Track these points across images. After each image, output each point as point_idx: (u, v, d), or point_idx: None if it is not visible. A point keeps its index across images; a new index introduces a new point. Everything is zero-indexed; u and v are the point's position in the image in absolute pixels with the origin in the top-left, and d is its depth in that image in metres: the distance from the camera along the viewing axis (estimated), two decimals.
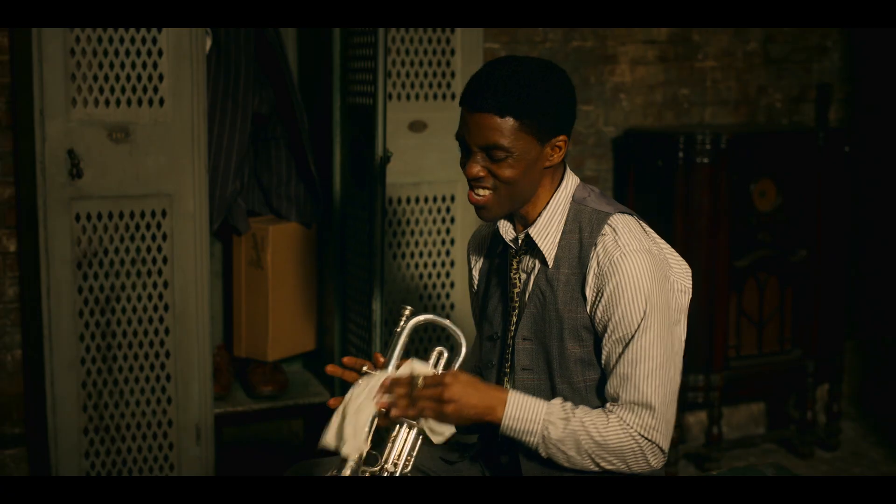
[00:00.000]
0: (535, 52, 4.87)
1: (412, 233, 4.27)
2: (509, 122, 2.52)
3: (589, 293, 2.57)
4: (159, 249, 3.90)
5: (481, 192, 2.59)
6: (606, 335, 2.56)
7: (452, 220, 4.34)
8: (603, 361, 2.59)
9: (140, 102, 3.81)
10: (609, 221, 2.59)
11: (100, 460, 3.91)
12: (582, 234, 2.60)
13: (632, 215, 2.64)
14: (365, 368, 2.63)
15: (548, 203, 2.65)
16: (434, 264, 4.33)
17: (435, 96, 4.27)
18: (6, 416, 4.23)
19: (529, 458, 2.60)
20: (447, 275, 4.37)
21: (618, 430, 2.50)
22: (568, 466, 2.54)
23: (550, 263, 2.63)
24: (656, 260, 2.57)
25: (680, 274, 2.68)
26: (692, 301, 4.65)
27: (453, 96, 4.28)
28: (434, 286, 4.35)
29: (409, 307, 2.66)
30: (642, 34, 5.10)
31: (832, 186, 4.97)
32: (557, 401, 2.56)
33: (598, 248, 2.57)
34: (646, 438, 2.50)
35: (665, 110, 5.20)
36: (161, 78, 3.82)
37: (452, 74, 4.28)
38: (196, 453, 4.01)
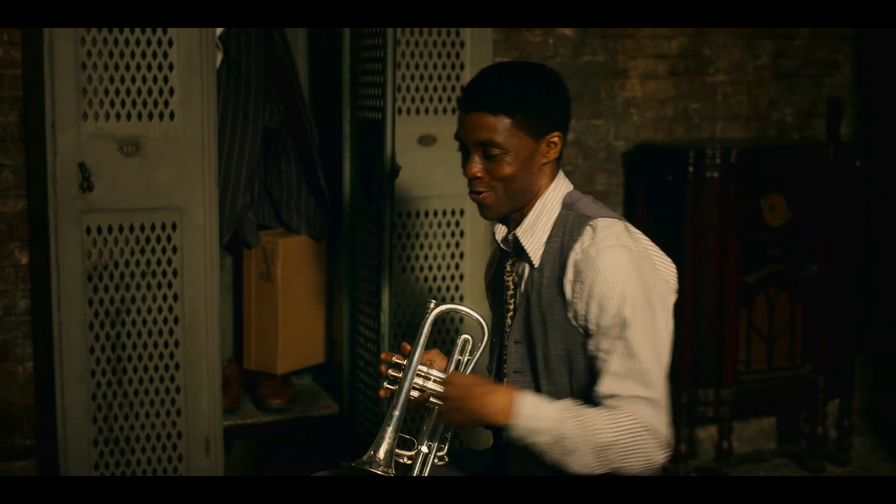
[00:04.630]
0: None
1: (421, 246, 4.28)
2: (503, 119, 2.59)
3: (568, 292, 2.59)
4: (169, 262, 3.91)
5: (481, 190, 2.65)
6: (592, 333, 2.56)
7: (462, 234, 4.35)
8: (591, 359, 2.58)
9: (151, 116, 3.83)
10: (590, 223, 2.61)
11: (109, 472, 3.93)
12: (564, 237, 2.64)
13: (619, 220, 2.65)
14: (395, 358, 2.71)
15: (534, 204, 2.70)
16: (444, 278, 4.33)
17: (444, 110, 4.28)
18: (17, 428, 4.25)
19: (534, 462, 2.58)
20: (456, 288, 4.37)
21: (630, 425, 2.46)
22: (577, 469, 2.50)
23: (536, 264, 2.66)
24: (633, 254, 2.57)
25: (667, 273, 2.67)
26: (701, 314, 4.65)
27: None
28: (444, 300, 4.35)
29: (434, 300, 2.77)
30: (653, 48, 5.10)
31: (843, 201, 4.97)
32: (567, 401, 2.54)
33: (575, 247, 2.59)
34: (653, 431, 2.48)
35: (676, 125, 5.20)
36: (172, 92, 3.84)
37: (462, 88, 4.27)
38: (205, 465, 4.02)
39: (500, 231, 2.76)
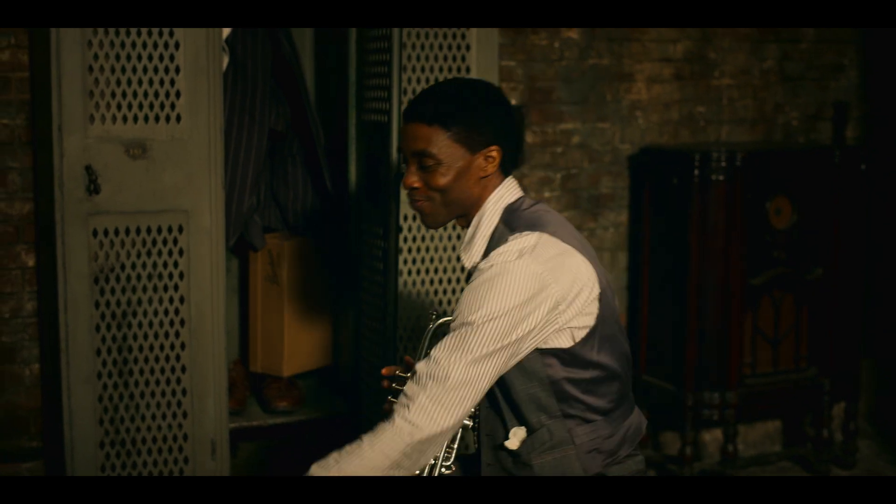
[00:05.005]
0: (551, 70, 4.89)
1: (427, 249, 4.28)
2: (438, 131, 2.65)
3: None
4: (175, 265, 3.92)
5: (418, 199, 2.72)
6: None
7: None
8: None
9: (157, 119, 3.84)
10: (508, 239, 2.63)
11: (115, 473, 3.93)
12: (490, 249, 2.67)
13: (536, 234, 2.63)
14: (398, 372, 2.78)
15: (473, 219, 2.75)
16: (449, 280, 4.34)
17: None
18: (24, 430, 4.26)
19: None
20: (462, 291, 4.37)
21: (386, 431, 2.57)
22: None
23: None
24: (518, 276, 2.56)
25: (578, 302, 2.63)
26: (706, 317, 4.63)
27: None
28: (450, 302, 4.36)
29: (435, 312, 2.82)
30: (658, 52, 5.11)
31: (848, 204, 4.98)
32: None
33: (482, 261, 2.65)
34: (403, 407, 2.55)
35: (681, 128, 5.21)
36: (178, 94, 3.85)
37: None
38: (211, 467, 4.03)
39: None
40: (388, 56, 3.87)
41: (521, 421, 2.67)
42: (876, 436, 5.53)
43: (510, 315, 2.54)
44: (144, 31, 3.78)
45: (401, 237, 4.14)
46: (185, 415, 4.00)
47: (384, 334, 3.98)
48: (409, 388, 2.57)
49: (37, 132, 4.05)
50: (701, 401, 4.79)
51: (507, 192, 2.73)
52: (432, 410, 2.52)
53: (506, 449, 2.68)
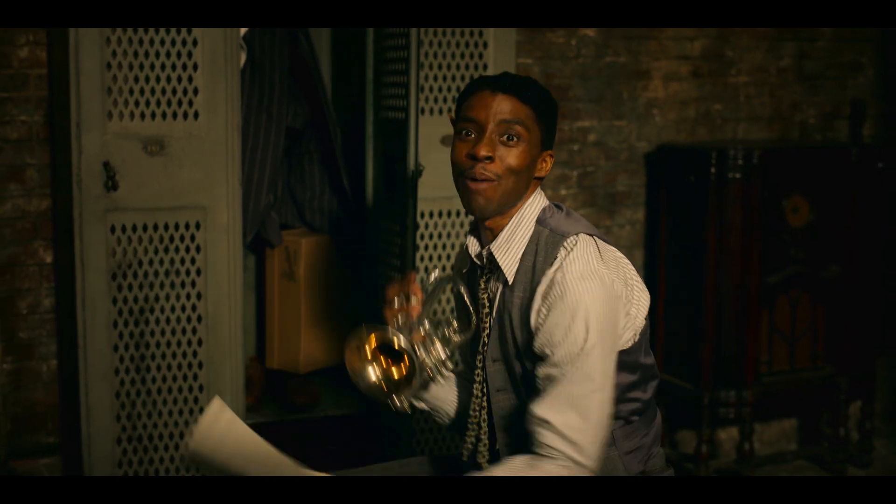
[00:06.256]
0: (568, 67, 4.89)
1: (444, 246, 4.28)
2: (529, 111, 2.58)
3: (533, 320, 2.55)
4: (193, 261, 3.93)
5: (486, 177, 2.57)
6: (547, 358, 2.52)
7: None
8: (539, 383, 2.54)
9: (175, 116, 3.85)
10: (564, 244, 2.56)
11: (132, 469, 3.95)
12: (537, 257, 2.59)
13: (591, 236, 2.60)
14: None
15: (510, 219, 2.65)
16: None
17: None
18: (41, 426, 4.27)
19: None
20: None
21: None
22: None
23: (510, 280, 2.62)
24: (605, 285, 2.51)
25: (637, 302, 2.62)
26: (723, 315, 4.64)
27: None
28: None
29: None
30: (676, 50, 5.10)
31: (865, 202, 4.96)
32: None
33: (548, 272, 2.54)
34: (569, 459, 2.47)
35: (698, 126, 5.20)
36: (196, 92, 3.86)
37: (483, 76, 4.27)
38: None
39: (474, 245, 2.72)
40: (406, 53, 3.87)
41: None
42: (892, 434, 5.51)
43: (607, 328, 2.50)
44: (163, 29, 3.80)
45: (418, 234, 4.14)
46: (201, 411, 4.01)
47: None
48: (555, 442, 2.47)
49: (55, 129, 4.07)
50: (717, 399, 4.78)
51: (541, 198, 2.68)
52: (594, 447, 2.47)
53: None
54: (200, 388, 4.00)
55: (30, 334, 4.22)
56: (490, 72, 4.26)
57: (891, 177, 5.20)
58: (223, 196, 3.93)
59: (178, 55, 3.83)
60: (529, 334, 2.57)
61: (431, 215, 4.27)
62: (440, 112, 4.25)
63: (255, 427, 4.30)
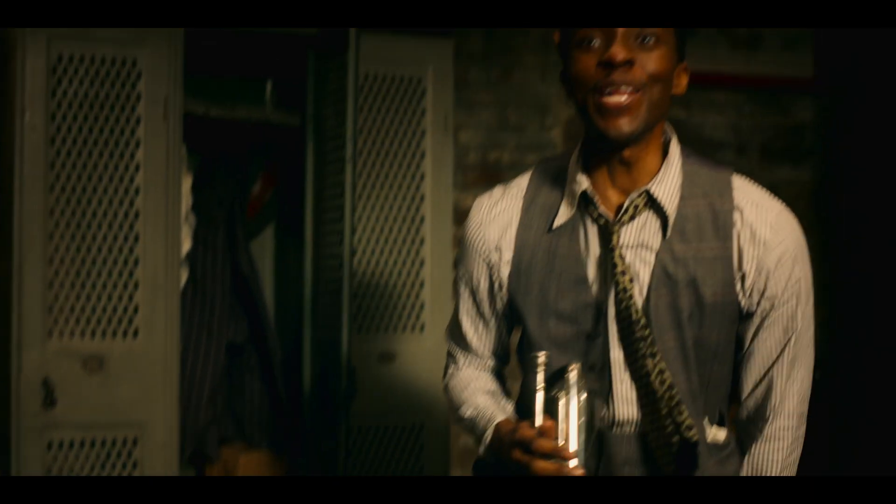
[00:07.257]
0: None
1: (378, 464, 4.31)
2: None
3: (749, 268, 2.15)
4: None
5: (625, 86, 2.08)
6: (766, 321, 2.17)
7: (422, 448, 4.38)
8: (756, 357, 2.20)
9: (115, 334, 3.91)
10: (733, 184, 2.18)
11: None
12: (710, 198, 2.16)
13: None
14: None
15: (668, 153, 2.19)
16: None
17: (404, 328, 4.34)
18: None
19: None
20: None
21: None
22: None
23: (670, 232, 2.15)
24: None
25: None
26: None
27: (422, 328, 4.35)
28: None
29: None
30: None
31: None
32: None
33: (744, 214, 2.15)
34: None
35: None
36: (136, 310, 3.93)
37: (422, 306, 4.35)
38: None
39: (583, 183, 2.18)
40: (340, 273, 3.97)
41: (719, 408, 2.27)
42: None
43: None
44: (105, 246, 3.89)
45: (350, 459, 4.17)
46: None
47: None
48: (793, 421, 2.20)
49: None
50: None
51: (670, 128, 2.24)
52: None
53: (707, 444, 2.22)
54: None
55: None
56: (426, 291, 4.34)
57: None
58: (161, 414, 3.96)
59: (120, 273, 3.90)
60: (732, 292, 2.16)
61: (368, 432, 4.29)
62: (377, 329, 4.31)
63: None
